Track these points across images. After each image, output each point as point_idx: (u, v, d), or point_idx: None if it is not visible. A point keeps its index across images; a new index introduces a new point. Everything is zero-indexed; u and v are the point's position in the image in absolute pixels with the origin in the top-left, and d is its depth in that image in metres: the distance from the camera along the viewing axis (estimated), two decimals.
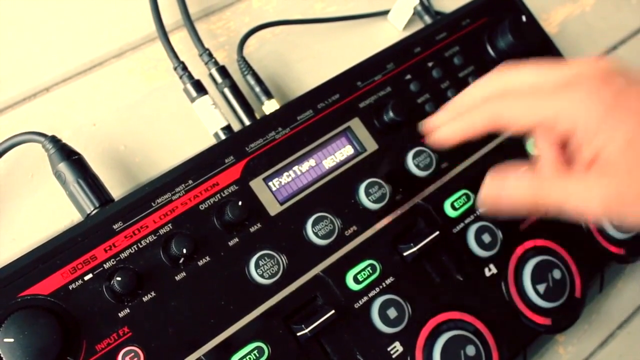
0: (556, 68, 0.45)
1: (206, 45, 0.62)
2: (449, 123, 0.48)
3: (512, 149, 0.62)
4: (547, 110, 0.44)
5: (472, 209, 0.58)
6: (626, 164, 0.42)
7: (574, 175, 0.44)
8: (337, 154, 0.57)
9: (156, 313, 0.48)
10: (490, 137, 0.62)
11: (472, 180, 0.59)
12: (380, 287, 0.54)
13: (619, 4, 0.83)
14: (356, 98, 0.59)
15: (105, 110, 0.61)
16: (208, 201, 0.52)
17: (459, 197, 0.58)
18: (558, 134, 0.44)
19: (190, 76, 0.59)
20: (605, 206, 0.42)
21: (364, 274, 0.53)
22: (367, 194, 0.55)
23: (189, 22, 0.62)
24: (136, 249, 0.49)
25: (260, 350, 0.49)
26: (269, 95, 0.62)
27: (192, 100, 0.59)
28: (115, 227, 0.49)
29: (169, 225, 0.50)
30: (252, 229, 0.52)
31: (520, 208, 0.45)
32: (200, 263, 0.50)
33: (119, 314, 0.47)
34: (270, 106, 0.61)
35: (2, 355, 0.43)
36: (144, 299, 0.48)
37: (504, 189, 0.46)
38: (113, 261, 0.48)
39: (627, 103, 0.43)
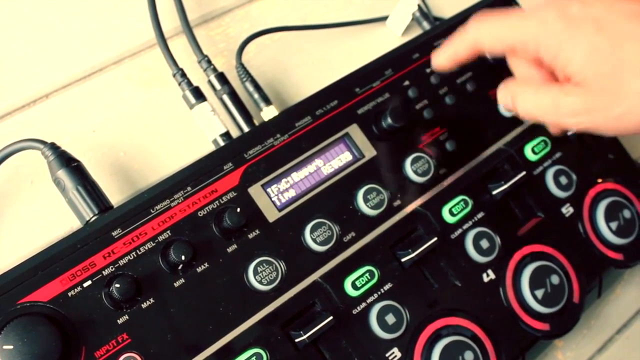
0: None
1: (205, 52, 0.62)
2: (439, 51, 0.56)
3: (510, 154, 0.62)
4: (514, 38, 0.50)
5: (470, 215, 0.59)
6: (593, 73, 0.46)
7: (551, 88, 0.49)
8: (336, 160, 0.57)
9: (155, 319, 0.48)
10: (487, 143, 0.62)
11: (470, 186, 0.59)
12: (379, 293, 0.54)
13: None
14: (354, 104, 0.59)
15: (104, 117, 0.61)
16: (207, 208, 0.52)
17: (457, 203, 0.58)
18: (531, 55, 0.50)
19: (189, 83, 0.60)
20: (576, 116, 0.47)
21: (362, 280, 0.53)
22: (366, 200, 0.56)
23: (188, 29, 0.63)
24: (135, 255, 0.49)
25: (258, 357, 0.49)
26: (268, 102, 0.62)
27: (191, 106, 0.59)
28: (114, 234, 0.49)
29: (168, 231, 0.50)
30: (250, 236, 0.52)
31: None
32: (199, 269, 0.50)
33: (118, 321, 0.47)
34: (268, 112, 0.61)
35: None
36: (142, 305, 0.48)
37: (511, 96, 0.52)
38: (112, 268, 0.48)
39: (586, 14, 0.46)
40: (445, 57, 0.55)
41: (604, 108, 0.46)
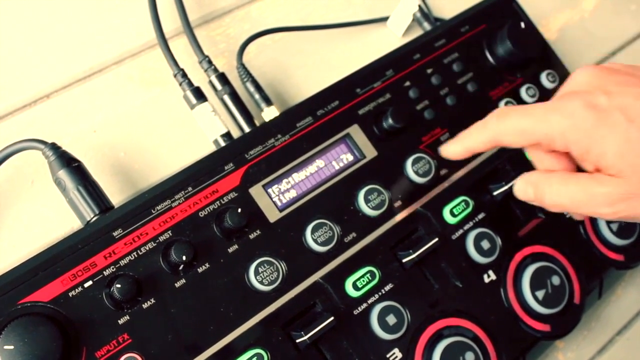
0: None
1: (206, 52, 0.62)
2: (455, 140, 0.54)
3: (511, 155, 0.62)
4: (539, 133, 0.48)
5: (471, 216, 0.59)
6: (629, 164, 0.45)
7: (582, 178, 0.48)
8: (337, 161, 0.57)
9: (156, 320, 0.48)
10: None
11: (471, 187, 0.59)
12: (380, 293, 0.54)
13: (618, 9, 0.83)
14: (355, 105, 0.59)
15: (105, 117, 0.61)
16: (208, 208, 0.52)
17: (458, 204, 0.58)
18: (558, 149, 0.48)
19: (190, 83, 0.60)
20: (613, 205, 0.46)
21: (363, 281, 0.53)
22: (367, 201, 0.56)
23: (189, 29, 0.63)
24: (136, 256, 0.49)
25: (259, 357, 0.49)
26: (269, 102, 0.62)
27: (192, 107, 0.59)
28: (115, 234, 0.49)
29: (169, 232, 0.50)
30: (251, 236, 0.52)
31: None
32: (200, 270, 0.50)
33: (119, 321, 0.47)
34: (269, 113, 0.61)
35: None
36: (143, 305, 0.48)
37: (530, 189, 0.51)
38: (113, 268, 0.48)
39: (614, 104, 0.45)
40: (461, 148, 0.54)
41: None
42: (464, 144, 0.54)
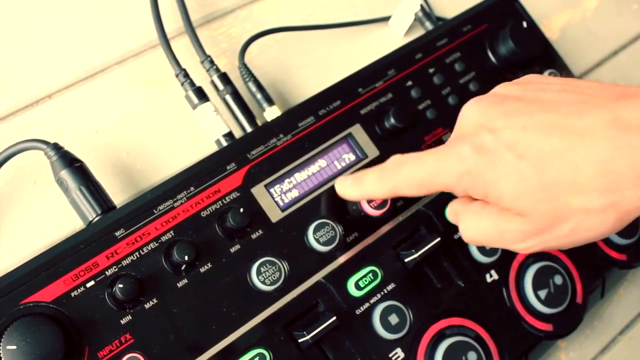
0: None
1: (208, 52, 0.62)
2: (352, 184, 0.52)
3: None
4: (436, 184, 0.46)
5: None
6: (529, 202, 0.42)
7: (493, 214, 0.45)
8: (339, 161, 0.57)
9: (158, 320, 0.48)
10: None
11: None
12: (382, 293, 0.54)
13: (620, 9, 0.83)
14: (357, 104, 0.59)
15: (107, 117, 0.61)
16: (210, 208, 0.52)
17: None
18: (460, 194, 0.47)
19: (192, 83, 0.60)
20: (525, 241, 0.44)
21: (366, 281, 0.53)
22: (369, 201, 0.56)
23: (191, 29, 0.63)
24: (138, 255, 0.49)
25: (261, 357, 0.49)
26: (271, 102, 0.62)
27: (194, 107, 0.59)
28: (117, 234, 0.49)
29: (171, 232, 0.50)
30: (253, 236, 0.52)
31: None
32: (202, 270, 0.50)
33: (121, 321, 0.47)
34: (271, 113, 0.61)
35: None
36: (145, 305, 0.48)
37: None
38: (115, 268, 0.48)
39: (501, 143, 0.43)
40: (358, 194, 0.52)
41: (551, 230, 0.42)
42: (361, 191, 0.52)
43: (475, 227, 0.46)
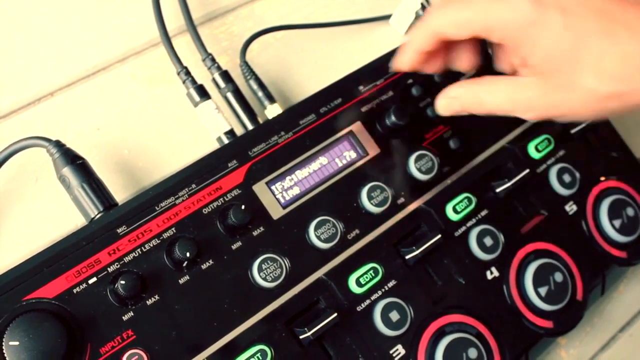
0: None
1: (209, 50, 0.62)
2: (402, 48, 0.54)
3: (513, 152, 0.62)
4: (478, 24, 0.49)
5: (474, 212, 0.59)
6: (552, 69, 0.47)
7: (502, 84, 0.50)
8: (340, 158, 0.57)
9: (160, 316, 0.48)
10: (491, 140, 0.62)
11: (474, 184, 0.60)
12: (383, 290, 0.54)
13: None
14: (358, 102, 0.59)
15: (108, 115, 0.61)
16: (211, 205, 0.52)
17: (461, 201, 0.58)
18: (494, 41, 0.49)
19: (194, 81, 0.60)
20: (538, 109, 0.49)
21: (367, 277, 0.53)
22: (370, 198, 0.56)
23: (192, 27, 0.63)
24: (140, 252, 0.49)
25: (263, 353, 0.49)
26: (272, 100, 0.62)
27: (195, 104, 0.60)
28: (119, 231, 0.49)
29: (173, 229, 0.50)
30: (255, 233, 0.52)
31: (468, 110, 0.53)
32: (204, 266, 0.50)
33: (123, 317, 0.47)
34: (272, 110, 0.62)
35: (7, 358, 0.43)
36: (147, 302, 0.48)
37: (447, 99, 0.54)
38: (117, 265, 0.48)
39: (556, 4, 0.46)
40: (409, 53, 0.54)
41: (559, 103, 0.47)
42: (410, 47, 0.53)
43: (491, 100, 0.50)
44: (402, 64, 0.54)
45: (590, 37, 0.45)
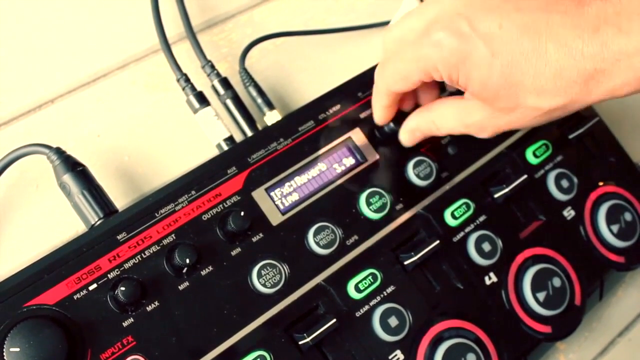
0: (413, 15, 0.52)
1: (208, 57, 0.62)
2: (373, 110, 0.58)
3: (511, 157, 0.62)
4: (417, 73, 0.51)
5: (472, 218, 0.59)
6: (492, 95, 0.49)
7: (453, 111, 0.54)
8: (338, 164, 0.57)
9: (160, 322, 0.48)
10: (489, 146, 0.62)
11: (472, 190, 0.60)
12: (382, 295, 0.54)
13: None
14: (357, 109, 0.60)
15: (109, 122, 0.61)
16: (211, 211, 0.52)
17: (459, 206, 0.58)
18: (438, 80, 0.51)
19: (193, 88, 0.60)
20: (486, 130, 0.52)
21: (365, 283, 0.53)
22: (368, 204, 0.56)
23: (192, 34, 0.63)
24: (140, 259, 0.49)
25: (262, 359, 0.49)
26: (271, 106, 0.63)
27: (195, 111, 0.60)
28: (119, 237, 0.49)
29: (172, 235, 0.51)
30: (254, 239, 0.53)
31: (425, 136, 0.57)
32: (203, 273, 0.50)
33: (123, 324, 0.48)
34: (272, 117, 0.62)
35: None
36: (147, 308, 0.48)
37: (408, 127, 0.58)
38: (117, 271, 0.48)
39: (477, 33, 0.47)
40: (381, 114, 0.57)
41: (504, 117, 0.50)
42: (377, 106, 0.57)
43: (444, 122, 0.54)
44: (380, 120, 0.58)
45: (520, 60, 0.46)
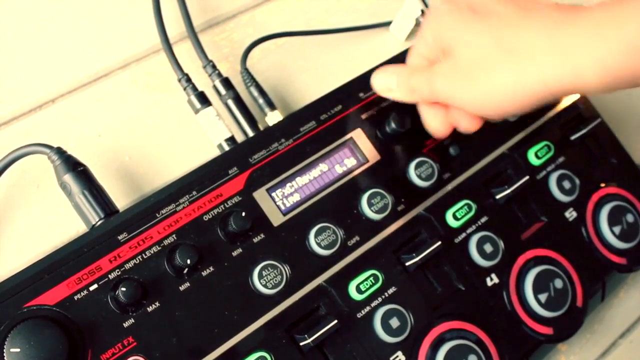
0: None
1: (210, 57, 0.62)
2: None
3: (513, 158, 0.62)
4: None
5: (474, 219, 0.59)
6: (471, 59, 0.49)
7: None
8: (340, 165, 0.57)
9: (160, 323, 0.48)
10: (491, 147, 0.62)
11: (474, 191, 0.60)
12: (383, 296, 0.54)
13: None
14: (359, 109, 0.60)
15: (110, 122, 0.61)
16: (212, 212, 0.52)
17: (461, 207, 0.58)
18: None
19: (194, 88, 0.60)
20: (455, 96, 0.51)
21: (367, 284, 0.53)
22: (370, 205, 0.56)
23: (193, 34, 0.63)
24: (141, 259, 0.49)
25: None
26: (272, 107, 0.63)
27: (196, 111, 0.60)
28: (120, 237, 0.49)
29: (173, 236, 0.51)
30: (255, 240, 0.53)
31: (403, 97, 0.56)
32: (204, 273, 0.50)
33: (124, 324, 0.47)
34: (273, 117, 0.62)
35: None
36: (148, 309, 0.48)
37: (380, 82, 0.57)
38: (118, 272, 0.48)
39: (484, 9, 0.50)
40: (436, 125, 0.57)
41: (471, 90, 0.50)
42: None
43: (409, 84, 0.54)
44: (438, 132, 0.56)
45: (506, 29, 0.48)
